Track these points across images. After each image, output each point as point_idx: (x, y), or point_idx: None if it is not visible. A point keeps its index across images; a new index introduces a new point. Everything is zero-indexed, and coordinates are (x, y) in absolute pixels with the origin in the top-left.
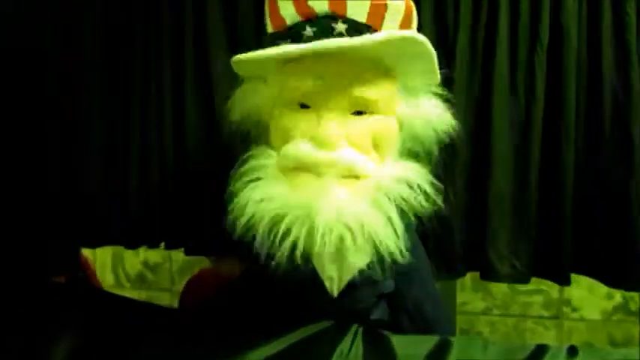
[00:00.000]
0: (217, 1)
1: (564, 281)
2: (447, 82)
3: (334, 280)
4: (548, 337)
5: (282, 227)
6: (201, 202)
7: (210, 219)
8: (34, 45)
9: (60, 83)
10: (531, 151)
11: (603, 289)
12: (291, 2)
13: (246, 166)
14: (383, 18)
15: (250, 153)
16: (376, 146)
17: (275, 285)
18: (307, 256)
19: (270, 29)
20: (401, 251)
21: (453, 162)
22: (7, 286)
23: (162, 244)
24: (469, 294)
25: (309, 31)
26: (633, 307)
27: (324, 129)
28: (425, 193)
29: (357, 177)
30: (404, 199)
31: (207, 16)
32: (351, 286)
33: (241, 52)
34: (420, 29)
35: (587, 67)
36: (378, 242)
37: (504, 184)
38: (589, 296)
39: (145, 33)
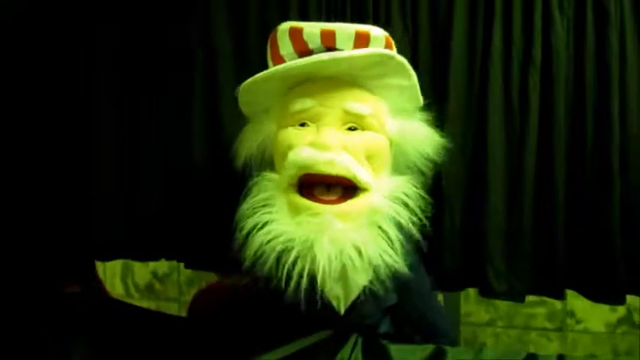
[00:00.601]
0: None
1: (559, 296)
2: (442, 106)
3: (341, 299)
4: (552, 349)
5: (289, 262)
6: (204, 219)
7: (213, 235)
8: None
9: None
10: (525, 171)
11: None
12: (289, 41)
13: (252, 195)
14: (367, 47)
15: (255, 180)
16: (369, 160)
17: (287, 311)
18: (314, 277)
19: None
20: (400, 265)
21: (450, 182)
22: (23, 295)
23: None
24: (473, 305)
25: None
26: (637, 319)
27: (323, 136)
28: (418, 208)
29: (353, 192)
30: (399, 215)
31: (218, 50)
32: (357, 303)
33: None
34: (417, 56)
35: (573, 89)
36: (377, 260)
37: (500, 204)
38: (593, 308)
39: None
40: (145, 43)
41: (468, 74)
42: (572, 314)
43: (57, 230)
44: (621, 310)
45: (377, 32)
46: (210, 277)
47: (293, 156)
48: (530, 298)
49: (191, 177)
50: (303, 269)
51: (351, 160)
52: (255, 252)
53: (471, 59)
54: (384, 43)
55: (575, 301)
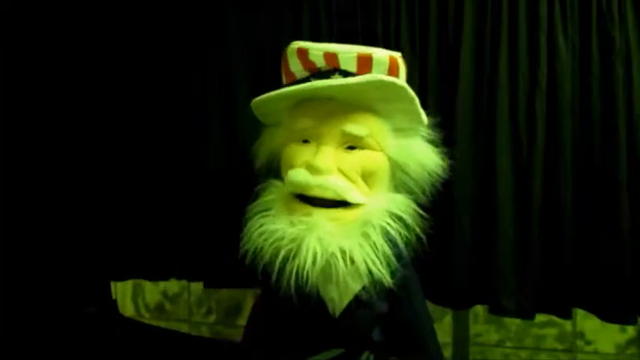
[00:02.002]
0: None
1: (566, 315)
2: (449, 128)
3: (335, 302)
4: None
5: (280, 258)
6: (220, 237)
7: (228, 253)
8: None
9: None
10: (533, 193)
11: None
12: (297, 60)
13: (257, 200)
14: (371, 68)
15: (261, 186)
16: (365, 178)
17: (284, 308)
18: (310, 283)
19: (284, 82)
20: (387, 275)
21: (460, 203)
22: (42, 314)
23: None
24: (483, 326)
25: (312, 81)
26: None
27: (318, 158)
28: (414, 224)
29: (346, 205)
30: (391, 229)
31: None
32: (350, 308)
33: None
34: (426, 78)
35: (579, 113)
36: (364, 268)
37: (509, 224)
38: (602, 329)
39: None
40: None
41: (475, 100)
42: (581, 335)
43: (73, 251)
44: (631, 331)
45: (379, 54)
46: (220, 297)
47: (290, 176)
48: (540, 318)
49: (207, 194)
50: (292, 265)
51: (343, 183)
52: (254, 250)
53: (479, 85)
54: (387, 65)
55: (586, 323)
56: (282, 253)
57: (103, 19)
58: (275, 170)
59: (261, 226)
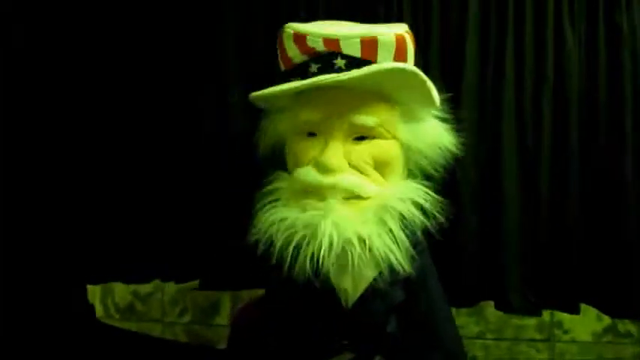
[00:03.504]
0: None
1: (574, 310)
2: (456, 122)
3: (349, 293)
4: (540, 359)
5: (292, 245)
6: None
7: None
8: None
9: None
10: (540, 187)
11: (593, 311)
12: (294, 45)
13: (266, 190)
14: (376, 52)
15: (270, 178)
16: (379, 168)
17: (294, 301)
18: (325, 271)
19: (282, 68)
20: (405, 263)
21: (466, 198)
22: (18, 321)
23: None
24: (464, 318)
25: (313, 67)
26: (622, 328)
27: (327, 157)
28: (432, 210)
29: (359, 197)
30: (407, 216)
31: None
32: (364, 299)
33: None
34: (428, 67)
35: (585, 104)
36: (382, 255)
37: (515, 218)
38: (580, 319)
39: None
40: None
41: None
42: (559, 325)
43: (49, 255)
44: (607, 320)
45: (385, 36)
46: (196, 296)
47: (300, 176)
48: None
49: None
50: (306, 252)
51: (355, 179)
52: (265, 239)
53: (483, 77)
54: (394, 46)
55: (563, 312)
56: (296, 239)
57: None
58: (279, 158)
59: (271, 215)
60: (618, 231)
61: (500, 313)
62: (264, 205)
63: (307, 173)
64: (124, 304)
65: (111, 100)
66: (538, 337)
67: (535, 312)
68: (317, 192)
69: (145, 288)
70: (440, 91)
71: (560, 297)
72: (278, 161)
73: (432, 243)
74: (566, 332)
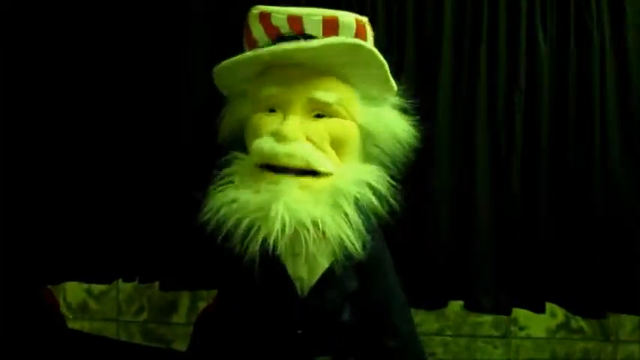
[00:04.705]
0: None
1: (541, 310)
2: (428, 122)
3: (304, 280)
4: (497, 355)
5: (243, 228)
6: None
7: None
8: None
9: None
10: (512, 188)
11: (547, 308)
12: (260, 26)
13: (222, 171)
14: (337, 32)
15: (226, 158)
16: (335, 147)
17: (246, 291)
18: (278, 257)
19: (246, 50)
20: (359, 248)
21: (438, 198)
22: None
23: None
24: (423, 315)
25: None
26: (574, 325)
27: (285, 126)
28: (386, 194)
29: (315, 173)
30: (362, 199)
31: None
32: (319, 287)
33: None
34: (402, 68)
35: (556, 109)
36: (336, 240)
37: (487, 219)
38: (534, 316)
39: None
40: None
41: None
42: (515, 322)
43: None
44: (560, 316)
45: (346, 18)
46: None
47: (256, 145)
48: None
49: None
50: (257, 237)
51: (311, 150)
52: (217, 222)
53: (457, 80)
54: (354, 29)
55: (519, 309)
56: (246, 222)
57: None
58: (239, 143)
59: (223, 195)
60: (585, 230)
61: (458, 310)
62: (219, 186)
63: (264, 142)
64: (76, 303)
65: (71, 102)
66: (495, 333)
67: (505, 312)
68: (273, 162)
69: (99, 286)
70: (414, 93)
71: (527, 296)
72: (238, 146)
73: (401, 243)
74: (521, 329)
